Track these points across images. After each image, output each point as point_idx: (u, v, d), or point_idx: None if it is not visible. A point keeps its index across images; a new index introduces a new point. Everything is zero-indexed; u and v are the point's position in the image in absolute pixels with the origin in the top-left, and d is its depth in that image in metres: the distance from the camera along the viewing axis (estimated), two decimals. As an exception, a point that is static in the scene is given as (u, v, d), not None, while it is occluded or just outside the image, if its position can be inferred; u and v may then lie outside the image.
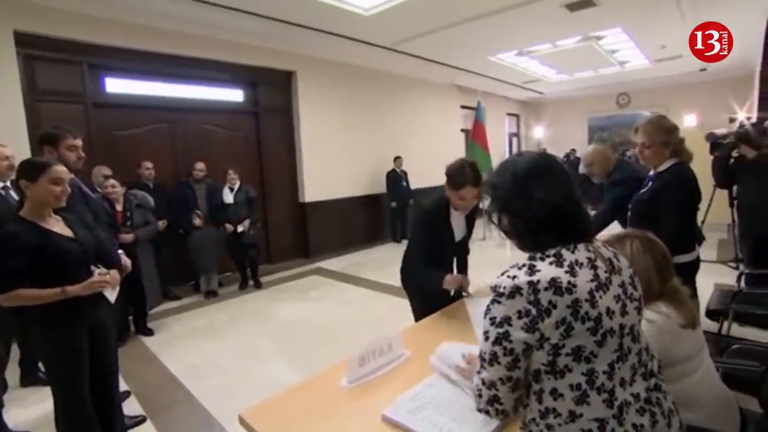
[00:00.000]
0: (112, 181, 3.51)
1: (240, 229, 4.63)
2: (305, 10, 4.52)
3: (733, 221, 3.85)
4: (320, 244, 6.43)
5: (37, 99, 3.97)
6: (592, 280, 0.85)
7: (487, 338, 0.89)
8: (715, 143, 3.52)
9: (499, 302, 0.87)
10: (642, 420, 0.86)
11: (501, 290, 0.86)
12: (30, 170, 1.68)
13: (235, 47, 5.24)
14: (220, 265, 4.87)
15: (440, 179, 2.03)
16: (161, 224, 4.03)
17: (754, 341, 2.07)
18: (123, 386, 2.53)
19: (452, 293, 2.12)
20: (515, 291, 0.84)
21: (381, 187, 7.23)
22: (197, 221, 4.50)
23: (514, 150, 11.67)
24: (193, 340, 3.56)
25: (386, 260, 5.94)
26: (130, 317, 3.69)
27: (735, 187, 3.59)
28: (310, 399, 1.29)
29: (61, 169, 1.73)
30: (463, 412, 1.13)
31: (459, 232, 2.12)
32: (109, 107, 4.52)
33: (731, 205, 3.77)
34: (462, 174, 1.85)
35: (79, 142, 2.14)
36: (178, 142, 5.10)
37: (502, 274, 0.89)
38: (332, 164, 6.58)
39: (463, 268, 2.33)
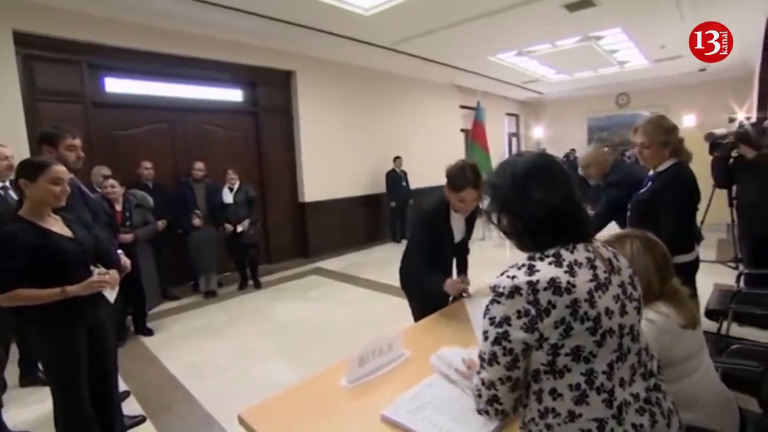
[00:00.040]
0: (111, 181, 3.50)
1: (239, 229, 4.63)
2: (305, 10, 4.52)
3: (733, 221, 3.85)
4: (320, 244, 6.43)
5: (36, 99, 3.96)
6: (591, 280, 0.85)
7: (486, 338, 0.89)
8: (715, 143, 3.52)
9: (498, 302, 0.87)
10: (641, 420, 0.86)
11: (500, 290, 0.86)
12: (29, 170, 1.68)
13: (235, 47, 5.24)
14: (220, 265, 4.86)
15: (440, 179, 2.03)
16: (160, 224, 4.03)
17: (754, 341, 2.08)
18: (122, 386, 2.52)
19: (451, 298, 2.12)
20: (514, 291, 0.84)
21: (380, 187, 7.23)
22: (197, 221, 4.49)
23: (514, 150, 11.67)
24: (193, 340, 3.56)
25: (386, 260, 5.94)
26: (129, 317, 3.69)
27: (734, 187, 3.59)
28: (309, 399, 1.29)
29: (60, 169, 1.73)
30: (463, 412, 1.13)
31: (459, 233, 2.12)
32: (109, 107, 4.51)
33: (730, 205, 3.77)
34: (462, 176, 1.84)
35: (78, 142, 2.14)
36: (177, 142, 5.10)
37: (502, 274, 0.89)
38: (332, 164, 6.58)
39: (462, 268, 2.33)
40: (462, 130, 9.37)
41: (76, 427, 1.79)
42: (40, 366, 2.73)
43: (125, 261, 2.17)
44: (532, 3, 4.58)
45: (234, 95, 5.68)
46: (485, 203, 1.03)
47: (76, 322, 1.75)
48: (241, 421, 1.20)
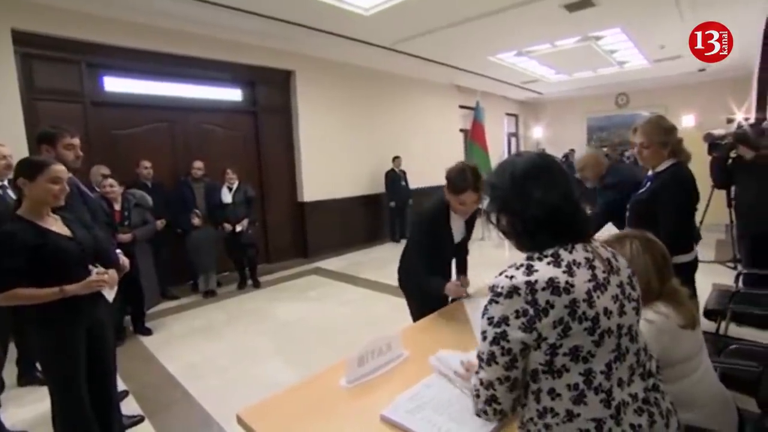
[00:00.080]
0: (110, 181, 3.50)
1: (238, 228, 4.63)
2: (305, 10, 4.51)
3: (731, 222, 3.86)
4: (319, 244, 6.43)
5: (35, 98, 3.96)
6: (589, 280, 0.85)
7: (484, 338, 0.89)
8: (714, 144, 3.53)
9: (496, 302, 0.87)
10: (640, 420, 0.86)
11: (499, 290, 0.86)
12: (28, 169, 1.68)
13: (234, 46, 5.23)
14: (219, 264, 4.86)
15: (439, 179, 2.03)
16: (159, 224, 4.02)
17: (752, 341, 2.08)
18: (121, 386, 2.52)
19: (450, 299, 2.12)
20: (513, 291, 0.84)
21: (380, 187, 7.22)
22: (196, 221, 4.49)
23: (513, 150, 11.68)
24: (192, 340, 3.56)
25: (385, 260, 5.94)
26: (127, 317, 3.68)
27: (733, 188, 3.60)
28: (308, 399, 1.29)
29: (59, 168, 1.73)
30: (462, 412, 1.13)
31: (458, 235, 2.11)
32: (108, 106, 4.50)
33: (729, 205, 3.78)
34: (462, 179, 1.83)
35: (76, 141, 2.13)
36: (176, 141, 5.09)
37: (500, 274, 0.89)
38: (331, 164, 6.58)
39: (462, 269, 2.33)
40: (461, 130, 9.38)
41: (74, 427, 1.78)
42: (38, 365, 2.73)
43: (124, 260, 2.16)
44: (532, 3, 4.58)
45: (233, 95, 5.68)
46: (485, 203, 1.03)
47: (74, 321, 1.74)
48: (240, 421, 1.20)
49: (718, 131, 3.64)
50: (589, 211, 2.39)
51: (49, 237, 1.67)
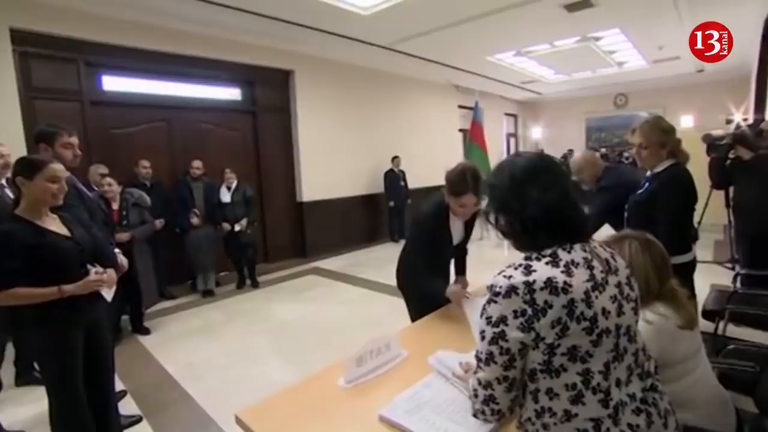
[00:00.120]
0: (108, 180, 3.50)
1: (237, 228, 4.62)
2: (304, 9, 4.51)
3: (730, 222, 3.87)
4: (318, 244, 6.42)
5: (33, 96, 3.94)
6: (588, 280, 0.85)
7: (483, 338, 0.90)
8: (712, 144, 3.53)
9: (495, 302, 0.87)
10: (638, 420, 0.86)
11: (497, 290, 0.87)
12: (26, 168, 1.67)
13: (234, 46, 5.23)
14: (217, 264, 4.85)
15: (438, 179, 2.02)
16: (158, 223, 4.01)
17: (750, 342, 2.08)
18: (119, 386, 2.52)
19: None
20: (511, 290, 0.84)
21: (379, 187, 7.22)
22: (195, 220, 4.48)
23: (512, 150, 11.69)
24: (190, 340, 3.55)
25: (384, 260, 5.94)
26: (125, 317, 3.67)
27: (731, 189, 3.60)
28: (307, 399, 1.29)
29: (58, 167, 1.72)
30: (461, 412, 1.13)
31: (457, 236, 2.11)
32: (106, 105, 4.49)
33: (727, 206, 3.78)
34: (462, 182, 1.81)
35: (75, 140, 2.12)
36: (175, 140, 5.08)
37: (499, 274, 0.89)
38: (330, 164, 6.58)
39: (460, 269, 2.33)
40: (460, 130, 9.38)
41: (71, 427, 1.78)
42: (35, 365, 2.72)
43: (122, 260, 2.16)
44: (531, 3, 4.59)
45: (232, 94, 5.67)
46: (484, 203, 1.03)
47: (72, 321, 1.74)
48: (238, 421, 1.20)
49: (717, 132, 3.65)
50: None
51: (48, 236, 1.67)
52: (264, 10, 4.49)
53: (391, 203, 7.16)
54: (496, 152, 9.37)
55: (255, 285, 4.97)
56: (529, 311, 0.83)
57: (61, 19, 3.97)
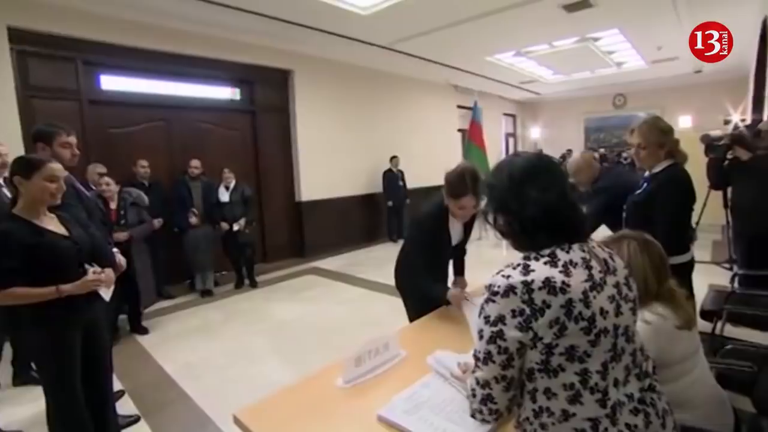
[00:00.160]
0: (106, 179, 3.49)
1: (236, 227, 4.61)
2: (303, 9, 4.51)
3: (728, 223, 3.87)
4: (316, 244, 6.42)
5: (31, 95, 3.93)
6: (586, 280, 0.85)
7: (481, 337, 0.90)
8: (710, 145, 3.54)
9: (493, 301, 0.87)
10: (636, 420, 0.86)
11: (495, 289, 0.87)
12: (24, 167, 1.66)
13: (233, 45, 5.22)
14: (216, 264, 4.85)
15: (437, 179, 2.02)
16: (157, 223, 4.01)
17: (748, 342, 2.09)
18: (117, 385, 2.52)
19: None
20: (509, 290, 0.85)
21: (377, 187, 7.22)
22: (194, 219, 4.48)
23: (511, 150, 11.70)
24: (188, 340, 3.55)
25: (382, 260, 5.94)
26: (123, 316, 3.67)
27: (729, 189, 3.61)
28: (305, 399, 1.28)
29: (56, 167, 1.72)
30: (459, 412, 1.12)
31: (456, 237, 2.11)
32: (105, 104, 4.49)
33: (725, 206, 3.79)
34: (461, 184, 1.80)
35: (73, 140, 2.12)
36: (174, 140, 5.07)
37: (497, 274, 0.89)
38: (329, 163, 6.57)
39: (459, 269, 2.33)
40: (459, 130, 9.39)
41: (69, 427, 1.78)
42: (33, 365, 2.71)
43: (121, 260, 2.15)
44: (530, 4, 4.59)
45: (231, 94, 5.67)
46: (482, 203, 1.03)
47: (70, 321, 1.73)
48: (237, 421, 1.20)
49: (715, 132, 3.66)
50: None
51: (45, 236, 1.66)
52: (263, 10, 4.48)
53: (390, 203, 7.16)
54: (495, 152, 9.38)
55: (253, 285, 4.97)
56: (527, 311, 0.83)
57: (60, 18, 3.96)
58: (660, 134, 2.04)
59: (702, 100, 9.19)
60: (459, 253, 2.28)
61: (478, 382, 0.92)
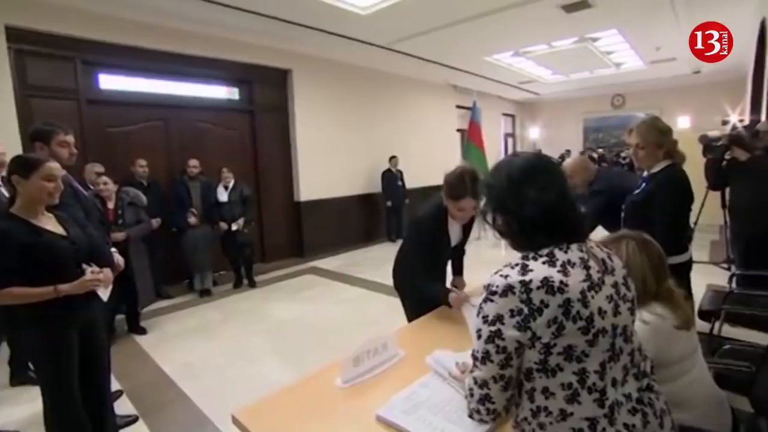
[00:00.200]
0: (104, 179, 3.48)
1: (234, 227, 4.61)
2: (302, 9, 4.50)
3: (726, 223, 3.88)
4: (315, 243, 6.41)
5: (29, 95, 3.92)
6: (584, 280, 0.85)
7: (479, 336, 0.90)
8: (708, 145, 3.55)
9: (491, 300, 0.87)
10: (634, 420, 0.87)
11: (494, 289, 0.87)
12: (22, 166, 1.66)
13: (231, 45, 5.21)
14: (214, 263, 4.84)
15: (436, 179, 2.02)
16: (155, 222, 4.00)
17: (746, 342, 2.09)
18: (115, 385, 2.51)
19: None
20: (508, 290, 0.85)
21: (376, 187, 7.22)
22: (192, 219, 4.47)
23: (510, 150, 11.72)
24: (187, 339, 3.54)
25: (381, 260, 5.93)
26: (121, 316, 3.66)
27: (727, 190, 3.62)
28: (304, 399, 1.28)
29: (54, 166, 1.71)
30: (457, 412, 1.12)
31: (455, 238, 2.10)
32: (103, 104, 4.48)
33: (723, 206, 3.80)
34: (461, 185, 1.80)
35: (71, 139, 2.11)
36: (172, 139, 5.06)
37: (495, 273, 0.89)
38: (328, 163, 6.57)
39: (458, 270, 2.33)
40: (458, 130, 9.39)
41: (66, 427, 1.77)
42: (30, 365, 2.71)
43: (119, 259, 2.15)
44: (529, 4, 4.59)
45: (230, 93, 5.66)
46: (481, 203, 1.03)
47: (68, 321, 1.73)
48: (235, 421, 1.19)
49: (713, 133, 3.67)
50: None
51: (43, 235, 1.66)
52: (262, 10, 4.48)
53: (389, 203, 7.16)
54: (494, 152, 9.39)
55: (252, 284, 4.96)
56: (526, 310, 0.83)
57: (58, 18, 3.95)
58: (658, 134, 2.04)
59: (700, 100, 9.21)
60: (458, 254, 2.28)
61: (476, 382, 0.92)
